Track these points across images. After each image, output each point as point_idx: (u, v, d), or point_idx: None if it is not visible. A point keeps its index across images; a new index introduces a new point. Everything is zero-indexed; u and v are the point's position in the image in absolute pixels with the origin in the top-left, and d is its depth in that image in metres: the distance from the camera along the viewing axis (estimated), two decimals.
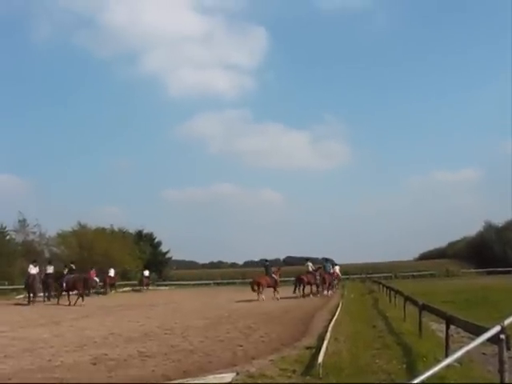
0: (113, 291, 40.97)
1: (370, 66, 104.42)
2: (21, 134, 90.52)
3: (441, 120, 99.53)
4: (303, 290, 29.58)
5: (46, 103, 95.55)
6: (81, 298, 27.32)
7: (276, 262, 57.49)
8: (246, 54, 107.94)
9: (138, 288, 45.03)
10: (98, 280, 38.35)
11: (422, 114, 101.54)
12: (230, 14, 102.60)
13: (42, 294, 30.30)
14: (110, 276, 40.88)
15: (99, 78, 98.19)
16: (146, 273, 46.59)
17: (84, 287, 28.68)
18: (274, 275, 29.52)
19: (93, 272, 37.52)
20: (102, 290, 39.10)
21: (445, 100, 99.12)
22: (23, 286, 31.66)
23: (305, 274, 30.47)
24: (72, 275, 29.64)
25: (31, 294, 28.92)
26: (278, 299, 27.36)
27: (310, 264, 31.81)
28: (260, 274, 29.79)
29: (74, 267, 31.53)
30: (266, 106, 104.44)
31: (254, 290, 27.80)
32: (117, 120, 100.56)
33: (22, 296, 33.10)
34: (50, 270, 31.55)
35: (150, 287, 46.36)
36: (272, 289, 28.60)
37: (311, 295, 29.60)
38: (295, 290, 29.70)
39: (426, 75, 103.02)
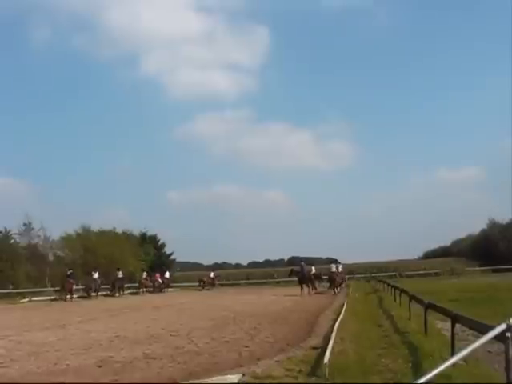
0: (169, 290, 47.95)
1: (373, 64, 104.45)
2: (23, 138, 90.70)
3: (444, 118, 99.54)
4: (334, 288, 33.58)
5: (47, 106, 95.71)
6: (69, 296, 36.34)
7: (280, 263, 57.49)
8: (248, 54, 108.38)
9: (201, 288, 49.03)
10: (160, 281, 46.68)
11: (424, 112, 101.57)
12: (231, 14, 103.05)
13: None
14: (166, 277, 48.35)
15: (100, 80, 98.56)
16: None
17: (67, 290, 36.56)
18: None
19: (157, 275, 47.08)
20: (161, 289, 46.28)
21: (448, 99, 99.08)
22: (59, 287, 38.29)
23: (335, 274, 34.70)
24: (70, 279, 37.16)
25: (95, 292, 39.14)
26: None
27: (333, 265, 35.97)
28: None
29: (68, 273, 38.01)
30: (269, 105, 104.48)
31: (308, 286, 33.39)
32: (119, 121, 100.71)
33: (26, 300, 36.25)
34: (120, 274, 42.27)
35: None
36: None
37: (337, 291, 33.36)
38: (330, 287, 34.22)
39: (430, 74, 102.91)
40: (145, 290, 44.78)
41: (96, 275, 39.74)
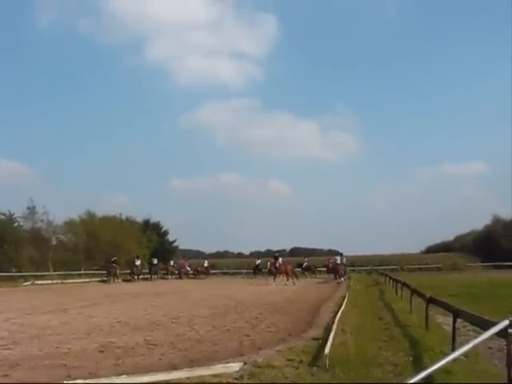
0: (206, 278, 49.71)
1: (380, 56, 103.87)
2: (28, 122, 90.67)
3: (450, 112, 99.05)
4: (338, 277, 36.99)
5: (52, 90, 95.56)
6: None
7: (282, 253, 57.64)
8: (255, 42, 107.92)
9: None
10: (189, 269, 50.60)
11: (431, 106, 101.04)
12: (239, 1, 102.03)
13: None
14: (204, 266, 51.29)
15: (106, 66, 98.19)
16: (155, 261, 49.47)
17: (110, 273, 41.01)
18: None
19: (185, 263, 50.87)
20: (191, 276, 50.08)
21: (455, 93, 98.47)
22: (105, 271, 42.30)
23: (339, 265, 38.10)
24: (114, 264, 41.51)
25: (137, 276, 43.72)
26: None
27: (338, 257, 38.96)
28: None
29: (112, 260, 41.95)
30: (275, 95, 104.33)
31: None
32: (123, 108, 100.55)
33: (28, 283, 36.66)
34: (155, 261, 48.25)
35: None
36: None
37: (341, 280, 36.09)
38: (335, 277, 37.69)
39: (437, 67, 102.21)
40: (171, 276, 49.02)
41: (138, 262, 44.52)
